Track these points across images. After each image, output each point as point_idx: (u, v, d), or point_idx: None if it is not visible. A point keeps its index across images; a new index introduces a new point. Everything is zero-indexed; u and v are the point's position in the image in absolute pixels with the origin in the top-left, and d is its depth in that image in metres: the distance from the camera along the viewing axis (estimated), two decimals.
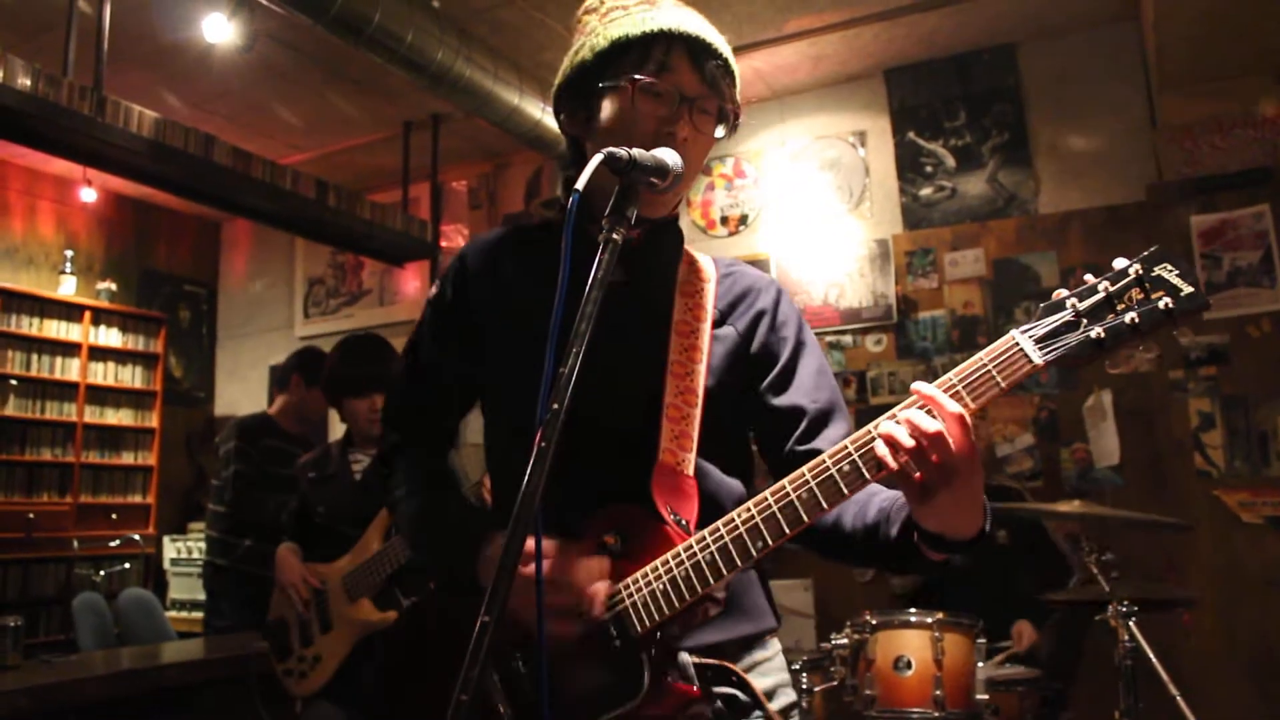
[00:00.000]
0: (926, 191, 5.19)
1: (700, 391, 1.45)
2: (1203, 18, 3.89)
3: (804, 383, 1.49)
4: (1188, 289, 1.13)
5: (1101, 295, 1.17)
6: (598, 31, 1.47)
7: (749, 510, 1.26)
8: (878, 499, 1.37)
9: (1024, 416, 4.70)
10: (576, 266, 1.18)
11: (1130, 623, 2.90)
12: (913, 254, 5.12)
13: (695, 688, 1.31)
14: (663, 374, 1.45)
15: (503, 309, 1.53)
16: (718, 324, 1.52)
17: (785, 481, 1.25)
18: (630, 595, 1.32)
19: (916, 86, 5.30)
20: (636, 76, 1.41)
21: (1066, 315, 1.18)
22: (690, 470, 1.40)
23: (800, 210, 5.47)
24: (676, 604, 1.28)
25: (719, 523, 1.28)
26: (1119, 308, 1.16)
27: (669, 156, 1.32)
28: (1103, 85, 4.82)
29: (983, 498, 1.25)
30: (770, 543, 1.24)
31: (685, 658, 1.33)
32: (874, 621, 2.94)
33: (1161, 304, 1.13)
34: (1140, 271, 1.15)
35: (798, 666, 3.12)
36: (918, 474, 1.17)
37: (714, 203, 5.65)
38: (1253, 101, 4.39)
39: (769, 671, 1.46)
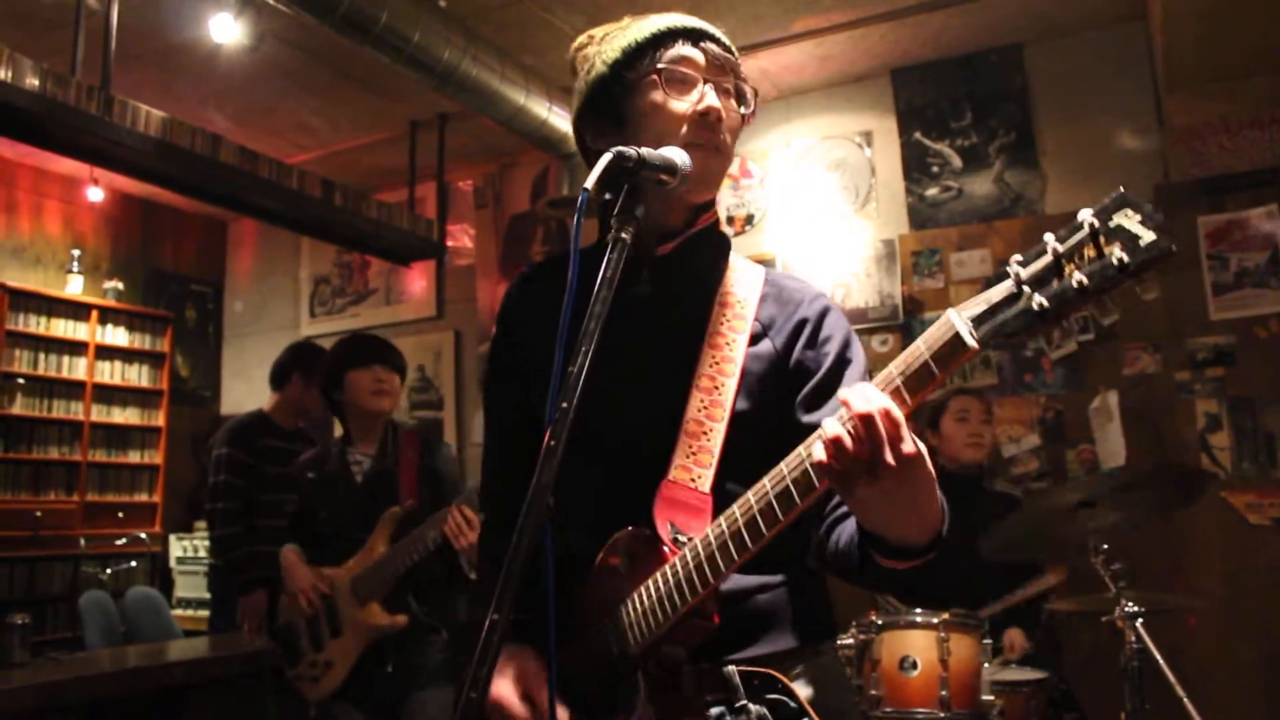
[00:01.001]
0: (933, 192, 5.18)
1: (728, 406, 1.41)
2: (1210, 17, 3.87)
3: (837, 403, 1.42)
4: (1148, 236, 0.97)
5: (1049, 258, 1.02)
6: (601, 52, 1.52)
7: (719, 525, 1.25)
8: None
9: (1030, 417, 4.69)
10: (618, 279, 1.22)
11: (1137, 624, 2.89)
12: (919, 254, 5.11)
13: (682, 703, 1.31)
14: (687, 388, 1.43)
15: (544, 333, 1.51)
16: (757, 338, 1.48)
17: (750, 493, 1.23)
18: (627, 615, 1.33)
19: (923, 87, 5.29)
20: (660, 66, 1.46)
21: (1009, 286, 1.05)
22: (706, 487, 1.38)
23: (806, 210, 5.47)
24: (663, 620, 1.29)
25: (696, 539, 1.28)
26: (1066, 270, 1.01)
27: (677, 155, 1.34)
28: (1110, 85, 4.81)
29: (935, 502, 1.20)
30: (736, 557, 1.23)
31: (730, 669, 1.33)
32: (879, 622, 2.94)
33: (1115, 259, 0.98)
34: (1096, 224, 1.00)
35: None
36: (841, 467, 1.11)
37: (719, 202, 5.63)
38: (1261, 102, 4.37)
39: (815, 680, 1.43)
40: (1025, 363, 4.75)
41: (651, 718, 1.30)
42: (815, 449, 1.13)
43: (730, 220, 5.60)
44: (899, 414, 1.09)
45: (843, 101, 5.50)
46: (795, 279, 1.59)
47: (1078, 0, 4.67)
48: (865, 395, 1.10)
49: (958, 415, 3.66)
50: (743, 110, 1.51)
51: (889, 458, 1.09)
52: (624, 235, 1.26)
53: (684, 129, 1.43)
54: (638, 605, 1.32)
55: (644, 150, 1.30)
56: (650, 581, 1.31)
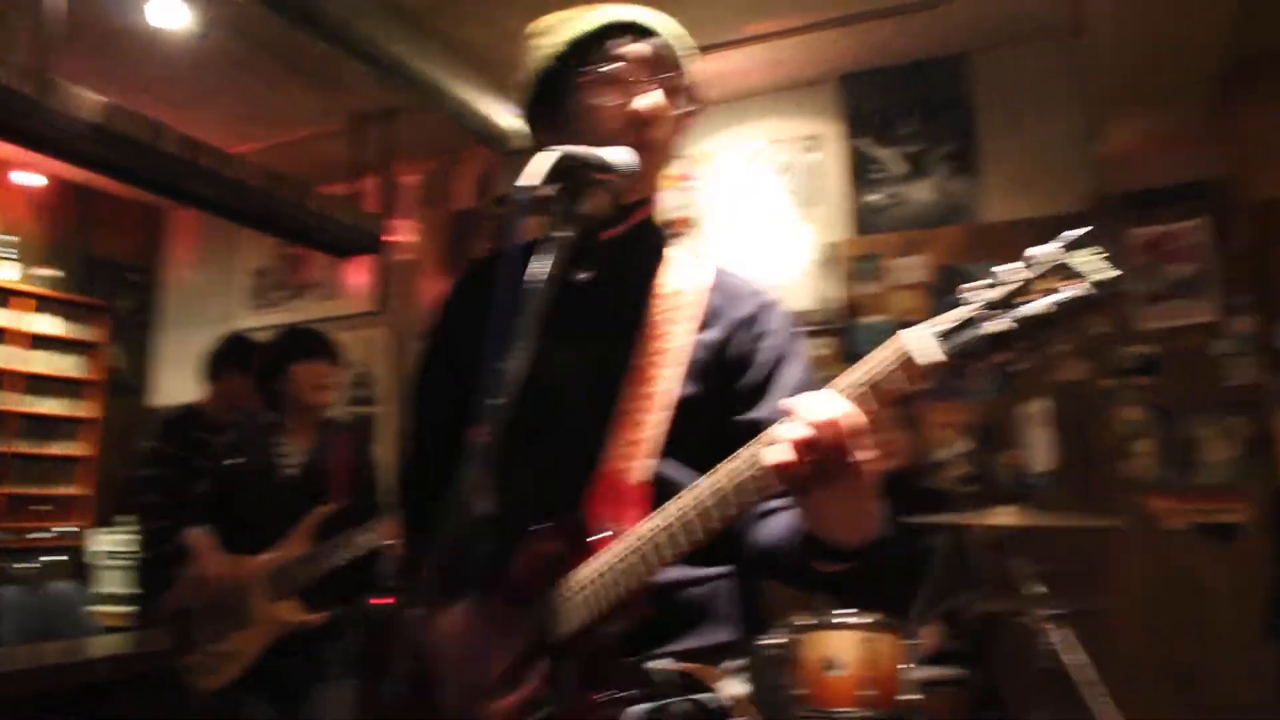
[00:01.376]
0: (876, 197, 5.24)
1: (665, 396, 1.42)
2: (1144, 37, 3.97)
3: (775, 399, 1.42)
4: (1103, 273, 1.05)
5: (1009, 286, 1.08)
6: (548, 45, 1.54)
7: (662, 518, 1.26)
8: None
9: (961, 422, 4.76)
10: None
11: (1055, 627, 2.96)
12: (860, 259, 5.17)
13: (608, 695, 1.32)
14: (624, 379, 1.44)
15: (480, 330, 1.50)
16: (702, 328, 1.49)
17: (697, 487, 1.24)
18: (557, 604, 1.33)
19: (870, 93, 5.35)
20: (594, 68, 1.48)
21: (968, 310, 1.09)
22: (641, 478, 1.39)
23: (750, 213, 5.50)
24: (595, 610, 1.30)
25: (635, 531, 1.29)
26: (1024, 299, 1.07)
27: (618, 154, 1.35)
28: (1050, 98, 4.90)
29: (874, 506, 1.23)
30: (677, 551, 1.24)
31: (663, 663, 1.34)
32: (804, 623, 2.97)
33: (1071, 292, 1.05)
34: (1053, 258, 1.07)
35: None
36: (799, 469, 1.13)
37: (663, 203, 5.62)
38: (1191, 119, 4.48)
39: (749, 677, 1.43)
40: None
41: (578, 707, 1.31)
42: (774, 449, 1.15)
43: (674, 221, 5.60)
44: (861, 420, 1.12)
45: (791, 106, 5.54)
46: (742, 275, 1.61)
47: (1021, 14, 4.75)
48: (828, 400, 1.13)
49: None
50: (684, 109, 1.53)
51: (847, 463, 1.12)
52: (560, 235, 1.27)
53: (620, 126, 1.45)
54: (569, 594, 1.32)
55: (584, 149, 1.31)
56: (583, 571, 1.32)
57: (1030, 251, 1.07)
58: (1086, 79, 4.74)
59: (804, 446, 1.12)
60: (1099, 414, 4.46)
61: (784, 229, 5.41)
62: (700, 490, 1.23)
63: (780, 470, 1.14)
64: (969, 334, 1.09)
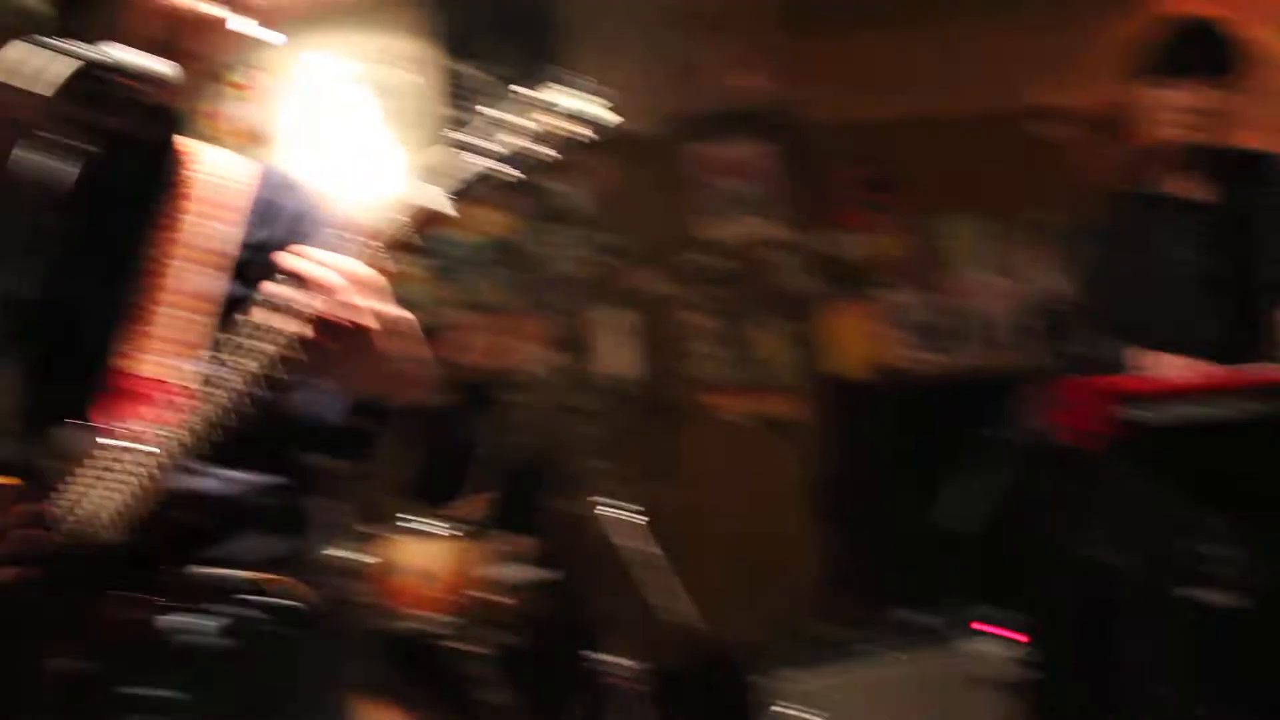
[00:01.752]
0: (469, 116, 5.21)
1: (193, 293, 1.37)
2: None
3: None
4: (596, 111, 1.11)
5: (494, 125, 1.12)
6: None
7: (186, 414, 1.21)
8: None
9: (546, 334, 4.85)
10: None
11: (620, 519, 3.14)
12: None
13: (130, 606, 1.25)
14: (140, 276, 1.37)
15: None
16: (248, 230, 1.45)
17: (214, 377, 1.20)
18: (82, 515, 1.24)
19: (462, 12, 5.29)
20: None
21: (454, 151, 1.13)
22: (158, 375, 1.33)
23: (334, 129, 5.32)
24: (113, 515, 1.22)
25: (157, 430, 1.23)
26: (509, 138, 1.11)
27: (145, 61, 1.25)
28: (637, 20, 5.06)
29: (403, 367, 1.26)
30: (204, 445, 1.20)
31: (224, 571, 1.30)
32: (380, 531, 2.96)
33: (559, 126, 1.11)
34: (544, 99, 1.12)
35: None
36: (307, 330, 1.15)
37: (236, 115, 5.26)
38: (764, 45, 4.82)
39: (309, 584, 1.41)
40: (539, 281, 4.94)
41: (100, 609, 1.24)
42: (281, 318, 1.15)
43: (247, 134, 5.19)
44: (366, 274, 1.16)
45: (378, 21, 5.37)
46: (292, 178, 1.59)
47: None
48: (326, 257, 1.17)
49: (452, 329, 3.74)
50: (241, 24, 1.43)
51: (355, 316, 1.14)
52: (78, 142, 1.19)
53: (159, 29, 1.34)
54: (92, 504, 1.23)
55: (112, 55, 1.21)
56: (89, 475, 1.24)
57: (519, 90, 1.14)
58: (673, 3, 4.97)
59: (307, 305, 1.13)
60: (670, 320, 4.80)
61: (375, 147, 5.29)
62: (216, 380, 1.20)
63: (301, 337, 1.15)
64: (470, 178, 1.14)
